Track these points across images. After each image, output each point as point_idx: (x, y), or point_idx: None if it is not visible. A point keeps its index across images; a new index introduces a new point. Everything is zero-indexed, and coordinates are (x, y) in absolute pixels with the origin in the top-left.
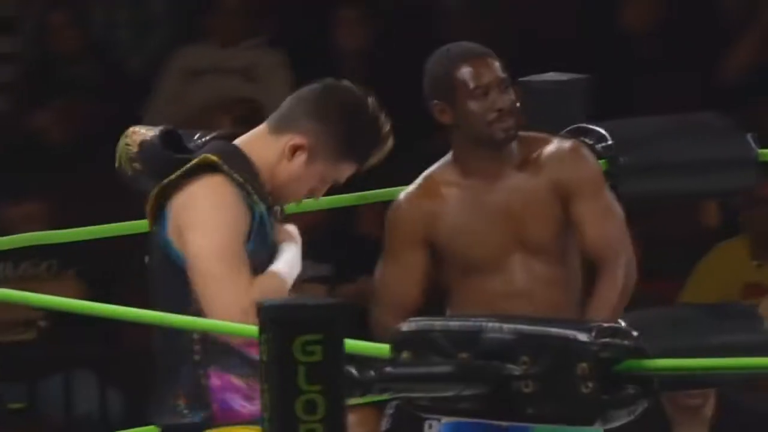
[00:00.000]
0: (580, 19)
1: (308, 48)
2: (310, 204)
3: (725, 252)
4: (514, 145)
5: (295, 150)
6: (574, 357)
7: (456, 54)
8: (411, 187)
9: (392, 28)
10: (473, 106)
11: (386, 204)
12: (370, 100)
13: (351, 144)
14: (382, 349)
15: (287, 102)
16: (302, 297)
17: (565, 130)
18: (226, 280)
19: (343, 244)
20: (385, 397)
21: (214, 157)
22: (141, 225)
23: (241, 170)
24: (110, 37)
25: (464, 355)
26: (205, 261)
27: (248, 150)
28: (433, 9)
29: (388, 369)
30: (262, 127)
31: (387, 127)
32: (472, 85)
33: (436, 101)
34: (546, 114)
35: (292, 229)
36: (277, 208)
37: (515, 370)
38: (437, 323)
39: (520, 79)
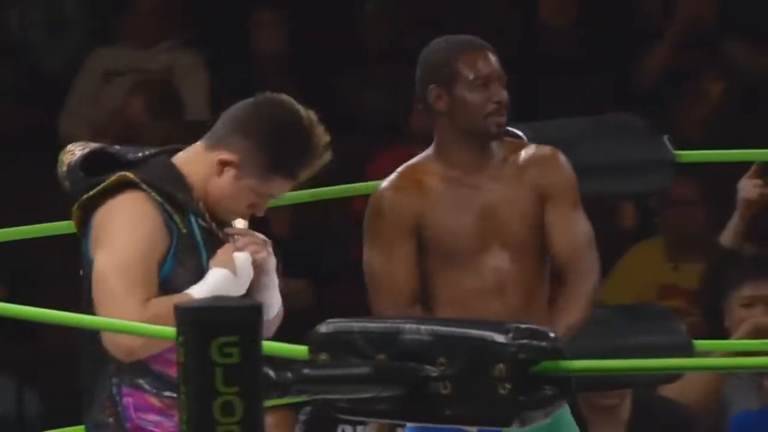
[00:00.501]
0: (495, 18)
1: (226, 49)
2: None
3: (641, 253)
4: (495, 143)
5: (223, 165)
6: (491, 358)
7: (458, 43)
8: (392, 178)
9: (310, 30)
10: (473, 96)
11: (296, 206)
12: (305, 114)
13: (278, 159)
14: (300, 350)
15: (221, 118)
16: (220, 299)
17: None
18: (119, 297)
19: None
20: (302, 398)
21: (130, 175)
22: (61, 226)
23: (166, 188)
24: (25, 38)
25: (382, 356)
26: (104, 276)
27: (184, 167)
28: (350, 11)
29: (306, 370)
30: (199, 144)
31: (321, 142)
32: (472, 75)
33: (433, 86)
34: None
35: (240, 257)
36: (214, 226)
37: (432, 371)
38: (355, 324)
39: None
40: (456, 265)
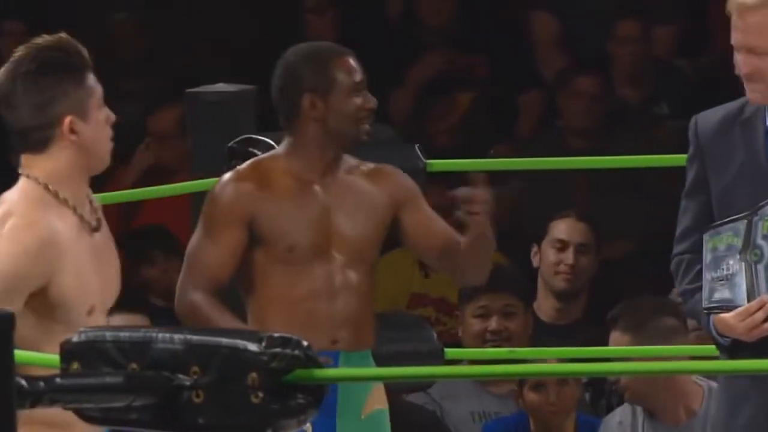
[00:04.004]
0: (257, 29)
1: None
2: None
3: (392, 261)
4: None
5: (71, 128)
6: (243, 366)
7: (328, 50)
8: (238, 168)
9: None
10: (348, 103)
11: None
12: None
13: (56, 76)
14: (53, 360)
15: (20, 120)
16: None
17: (234, 141)
18: None
19: None
20: (55, 407)
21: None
22: None
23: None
24: None
25: (134, 365)
26: None
27: (40, 175)
28: (101, 22)
29: (58, 380)
30: (26, 157)
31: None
32: (349, 82)
33: (307, 94)
34: (215, 124)
35: None
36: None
37: (185, 380)
38: (108, 333)
39: (188, 90)
40: (291, 263)
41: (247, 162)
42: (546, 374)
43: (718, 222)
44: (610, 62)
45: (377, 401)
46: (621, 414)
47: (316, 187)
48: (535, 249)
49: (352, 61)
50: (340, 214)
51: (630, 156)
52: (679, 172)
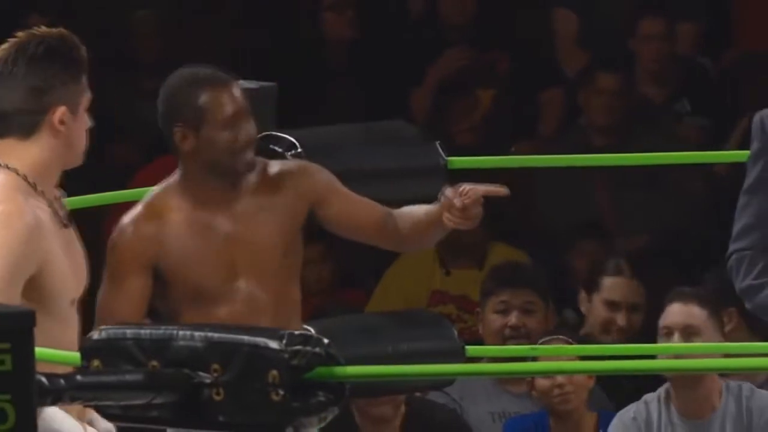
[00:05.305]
0: (276, 28)
1: None
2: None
3: (413, 259)
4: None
5: (61, 120)
6: (264, 364)
7: (200, 80)
8: (133, 211)
9: (81, 36)
10: (220, 135)
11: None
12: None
13: (59, 69)
14: (73, 357)
15: (10, 102)
16: None
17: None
18: None
19: None
20: (76, 405)
21: None
22: None
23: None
24: None
25: (155, 363)
26: None
27: (19, 165)
28: (123, 20)
29: (79, 377)
30: (6, 143)
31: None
32: (219, 116)
33: (178, 126)
34: None
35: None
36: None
37: (206, 377)
38: (128, 331)
39: None
40: (205, 297)
41: (141, 202)
42: (566, 372)
43: None
44: (633, 60)
45: None
46: (635, 410)
47: (216, 218)
48: (583, 294)
49: (227, 92)
50: (244, 238)
51: (652, 153)
52: (699, 169)
